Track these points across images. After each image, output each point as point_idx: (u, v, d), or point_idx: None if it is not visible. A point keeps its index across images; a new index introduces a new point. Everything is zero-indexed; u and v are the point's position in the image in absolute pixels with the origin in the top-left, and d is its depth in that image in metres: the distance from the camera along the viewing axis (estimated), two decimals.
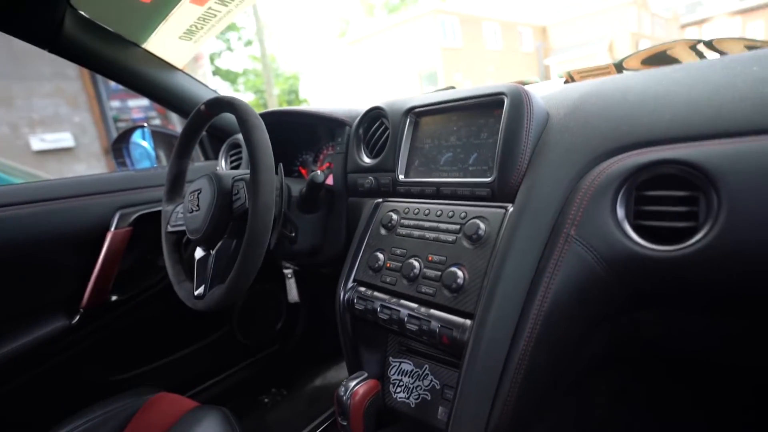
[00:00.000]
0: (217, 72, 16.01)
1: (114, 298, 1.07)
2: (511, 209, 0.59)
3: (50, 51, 0.95)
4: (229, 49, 17.26)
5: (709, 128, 0.48)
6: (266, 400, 1.34)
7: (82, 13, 0.94)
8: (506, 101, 0.62)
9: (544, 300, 0.52)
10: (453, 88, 0.84)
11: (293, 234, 0.86)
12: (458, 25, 18.09)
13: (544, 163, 0.59)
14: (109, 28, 0.99)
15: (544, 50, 22.15)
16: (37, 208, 0.95)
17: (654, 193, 0.51)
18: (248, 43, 17.05)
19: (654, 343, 0.65)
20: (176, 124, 6.13)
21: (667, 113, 0.52)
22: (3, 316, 0.95)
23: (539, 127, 0.62)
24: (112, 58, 1.03)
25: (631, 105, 0.57)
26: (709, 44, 0.74)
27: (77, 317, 1.02)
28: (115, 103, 6.33)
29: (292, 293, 1.17)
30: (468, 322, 0.56)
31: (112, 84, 6.22)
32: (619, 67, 0.85)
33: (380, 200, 0.79)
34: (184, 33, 1.04)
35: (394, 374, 0.73)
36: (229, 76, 17.16)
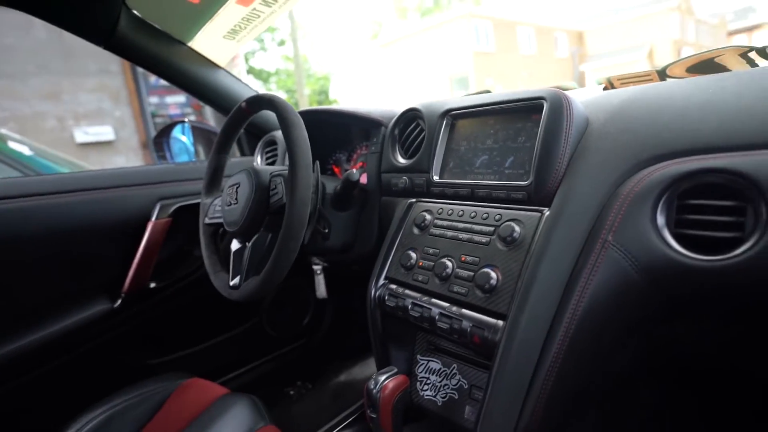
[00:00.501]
0: (250, 71, 16.41)
1: (152, 285, 1.12)
2: (547, 213, 0.59)
3: (105, 48, 1.01)
4: (263, 49, 17.67)
5: (759, 137, 0.47)
6: (292, 392, 1.37)
7: (136, 12, 0.99)
8: (546, 106, 0.62)
9: (578, 304, 0.52)
10: (488, 92, 0.85)
11: (326, 230, 0.88)
12: (491, 29, 17.92)
13: (583, 168, 0.59)
14: (159, 27, 1.04)
15: (580, 56, 21.66)
16: (84, 197, 1.01)
17: (697, 202, 0.50)
18: (281, 43, 17.41)
19: (687, 355, 0.64)
20: (209, 120, 6.32)
21: (713, 121, 0.51)
22: (53, 297, 1.01)
23: (578, 132, 0.62)
24: (160, 56, 1.09)
25: (674, 112, 0.56)
26: (762, 51, 0.71)
27: (119, 301, 1.07)
28: (154, 99, 6.57)
29: (321, 289, 1.19)
30: (500, 322, 0.57)
31: (152, 80, 6.47)
32: (662, 75, 0.83)
33: (413, 200, 0.80)
34: (228, 32, 1.08)
35: (421, 372, 0.74)
36: (262, 75, 17.55)
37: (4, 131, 2.44)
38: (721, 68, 0.77)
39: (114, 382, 0.96)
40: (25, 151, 2.32)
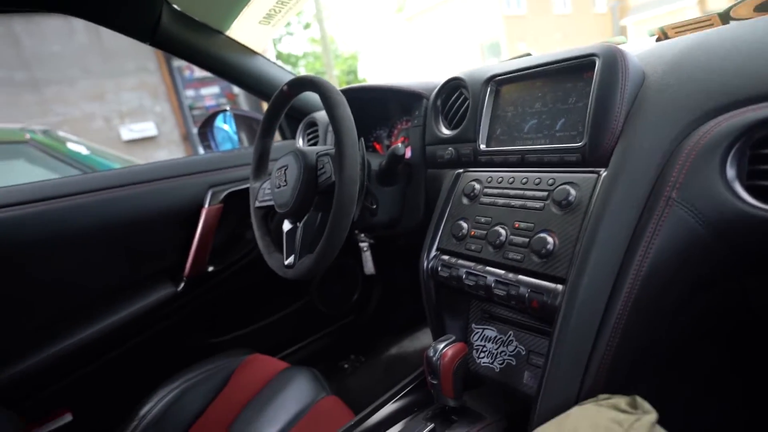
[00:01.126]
0: (279, 56, 16.47)
1: (210, 268, 1.18)
2: (604, 174, 0.57)
3: (151, 44, 1.04)
4: (289, 33, 17.64)
5: None
6: (346, 365, 1.43)
7: (176, 6, 1.02)
8: (598, 63, 0.60)
9: (642, 264, 0.51)
10: (529, 55, 0.82)
11: (374, 206, 0.90)
12: None
13: (641, 124, 0.56)
14: (198, 19, 1.07)
15: (620, 9, 20.25)
16: (140, 189, 1.06)
17: None
18: (307, 26, 17.30)
19: (761, 312, 0.61)
20: (244, 107, 6.45)
21: None
22: (122, 285, 1.08)
23: (635, 87, 0.59)
24: (201, 47, 1.12)
25: (743, 56, 0.52)
26: None
27: (182, 285, 1.14)
28: (190, 92, 6.76)
29: (368, 265, 1.21)
30: (559, 287, 0.56)
31: (186, 74, 6.65)
32: (725, 18, 0.76)
33: (461, 171, 0.80)
34: (264, 17, 1.10)
35: (477, 340, 0.74)
36: (290, 60, 17.59)
37: (62, 134, 2.60)
38: None
39: (181, 361, 1.03)
40: (83, 150, 2.47)
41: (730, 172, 0.49)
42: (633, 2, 20.13)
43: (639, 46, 0.70)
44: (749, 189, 0.48)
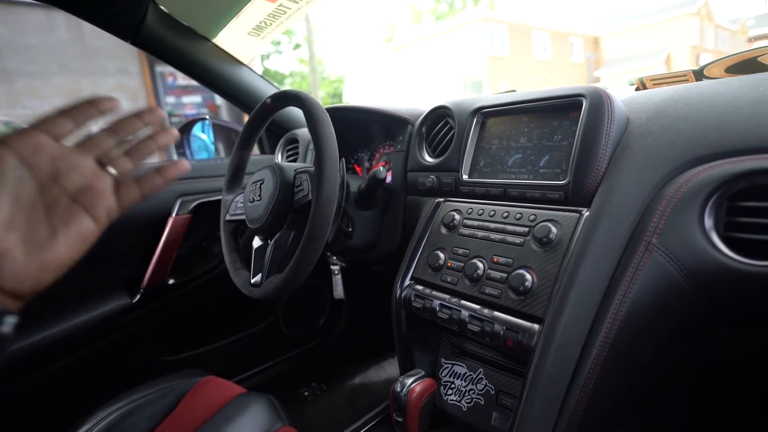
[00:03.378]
0: (266, 72, 16.54)
1: (171, 281, 1.12)
2: (586, 214, 0.57)
3: (132, 43, 1.01)
4: (278, 51, 17.81)
5: None
6: (306, 393, 1.36)
7: (163, 8, 0.99)
8: (585, 103, 0.60)
9: (620, 309, 0.50)
10: (515, 91, 0.83)
11: (350, 229, 0.87)
12: (506, 33, 17.85)
13: (625, 167, 0.56)
14: (185, 23, 1.04)
15: (595, 61, 21.45)
16: None
17: (751, 204, 0.47)
18: (297, 46, 17.54)
19: (730, 365, 0.61)
20: (226, 120, 6.37)
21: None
22: (73, 291, 1.01)
23: (619, 130, 0.59)
24: (185, 52, 1.09)
25: (722, 111, 0.54)
26: None
27: (138, 296, 1.06)
28: (171, 99, 6.67)
29: (338, 289, 1.18)
30: (536, 326, 0.55)
31: (169, 80, 6.56)
32: (698, 75, 0.80)
33: (441, 200, 0.78)
34: (253, 29, 1.08)
35: (445, 376, 0.72)
36: (277, 77, 17.68)
37: None
38: (764, 68, 0.74)
39: (131, 379, 0.95)
40: None
41: (708, 222, 0.49)
42: (607, 56, 21.40)
43: (621, 93, 0.72)
44: (726, 240, 0.48)
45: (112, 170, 0.43)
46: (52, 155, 0.39)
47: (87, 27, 0.96)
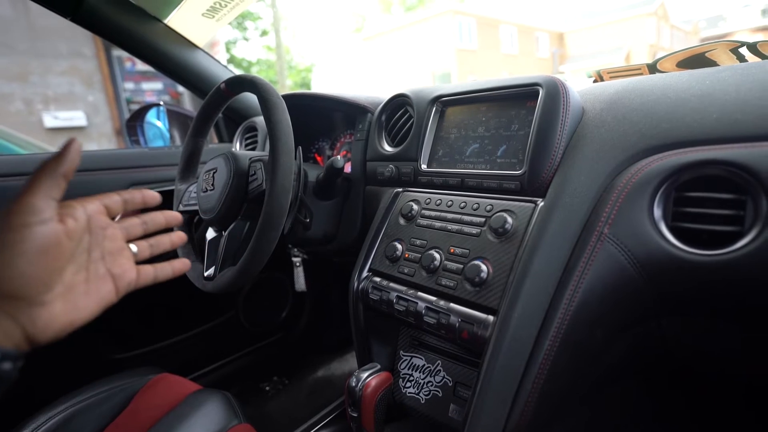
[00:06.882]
0: (231, 60, 16.03)
1: None
2: (541, 204, 0.57)
3: (71, 20, 0.93)
4: (245, 38, 17.27)
5: (760, 129, 0.45)
6: (267, 387, 1.33)
7: None
8: (541, 92, 0.60)
9: (573, 298, 0.50)
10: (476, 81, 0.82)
11: (308, 220, 0.84)
12: (475, 27, 17.99)
13: (579, 158, 0.56)
14: (133, 1, 0.98)
15: (560, 57, 22.01)
16: None
17: (696, 195, 0.48)
18: (264, 33, 17.03)
19: (678, 353, 0.63)
20: (189, 109, 6.13)
21: (713, 112, 0.50)
22: None
23: (575, 120, 0.59)
24: (134, 32, 1.02)
25: (672, 103, 0.54)
26: (753, 47, 0.71)
27: None
28: (129, 85, 6.36)
29: (300, 282, 1.15)
30: (490, 318, 0.54)
31: (128, 65, 6.24)
32: (652, 68, 0.82)
33: (400, 190, 0.77)
34: (208, 10, 1.03)
35: (404, 368, 0.71)
36: (242, 65, 17.17)
37: None
38: (711, 63, 0.76)
39: (76, 379, 0.90)
40: None
41: (657, 212, 0.50)
42: (571, 52, 22.00)
43: (579, 84, 0.73)
44: (674, 230, 0.49)
45: (134, 248, 0.49)
46: (102, 226, 0.45)
47: (32, 4, 0.89)
